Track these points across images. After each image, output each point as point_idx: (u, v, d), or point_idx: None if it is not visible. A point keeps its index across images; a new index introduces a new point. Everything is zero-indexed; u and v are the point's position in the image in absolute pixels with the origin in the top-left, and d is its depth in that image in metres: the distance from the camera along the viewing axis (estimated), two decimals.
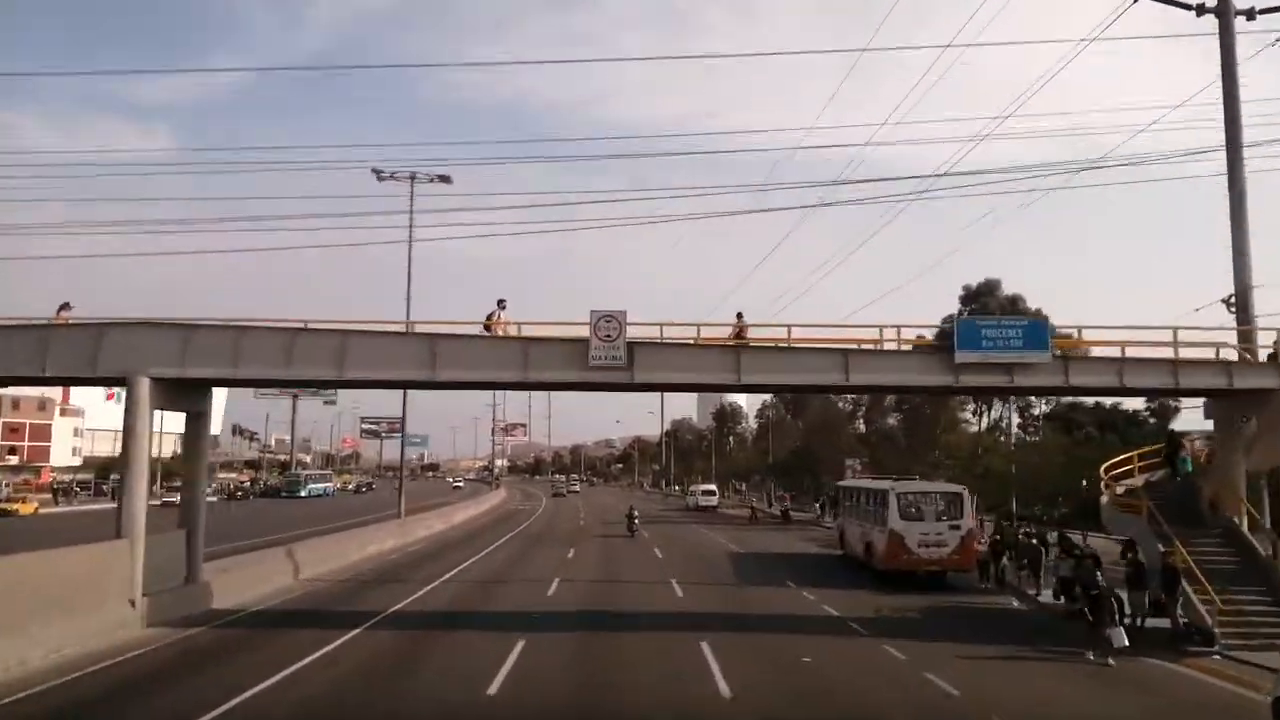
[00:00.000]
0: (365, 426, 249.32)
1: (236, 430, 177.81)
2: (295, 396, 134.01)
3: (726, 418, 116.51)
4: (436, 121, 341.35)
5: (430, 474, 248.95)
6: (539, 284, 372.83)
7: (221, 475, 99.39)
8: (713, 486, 78.85)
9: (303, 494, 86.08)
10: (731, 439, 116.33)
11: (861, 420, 67.17)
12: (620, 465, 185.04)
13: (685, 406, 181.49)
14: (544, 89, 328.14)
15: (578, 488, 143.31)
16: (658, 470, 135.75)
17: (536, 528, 48.12)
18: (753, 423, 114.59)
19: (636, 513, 45.63)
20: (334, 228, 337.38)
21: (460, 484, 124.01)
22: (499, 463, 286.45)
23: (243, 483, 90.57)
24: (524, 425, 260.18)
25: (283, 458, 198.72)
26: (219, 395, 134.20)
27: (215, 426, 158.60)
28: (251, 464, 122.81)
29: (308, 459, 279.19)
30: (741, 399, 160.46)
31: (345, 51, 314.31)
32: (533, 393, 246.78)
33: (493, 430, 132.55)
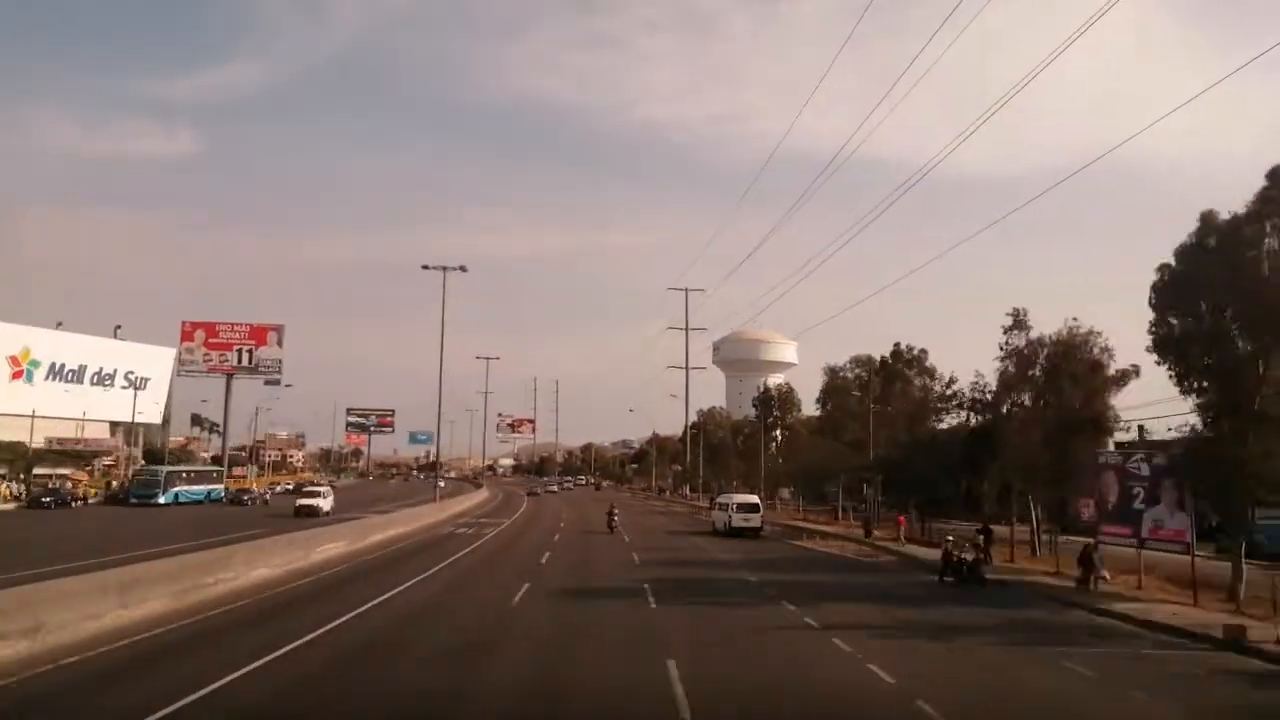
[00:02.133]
0: (351, 419, 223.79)
1: (197, 420, 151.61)
2: (229, 375, 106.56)
3: (773, 404, 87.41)
4: (459, 121, 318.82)
5: (424, 475, 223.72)
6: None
7: (39, 472, 71.47)
8: (754, 499, 50.62)
9: (161, 500, 58.47)
10: (779, 433, 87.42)
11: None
12: (635, 465, 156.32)
13: (714, 394, 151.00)
14: (570, 92, 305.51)
15: (555, 488, 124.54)
16: (680, 472, 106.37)
17: (378, 624, 19.50)
18: (812, 410, 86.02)
19: (618, 513, 47.02)
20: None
21: (317, 495, 56.83)
22: (504, 461, 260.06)
23: (62, 483, 62.81)
24: (531, 421, 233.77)
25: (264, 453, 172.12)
26: (162, 377, 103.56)
27: (154, 415, 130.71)
28: (154, 457, 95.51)
29: (299, 456, 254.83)
30: (789, 377, 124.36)
31: (364, 53, 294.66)
32: (538, 385, 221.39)
33: (430, 430, 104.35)
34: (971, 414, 41.58)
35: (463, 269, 55.97)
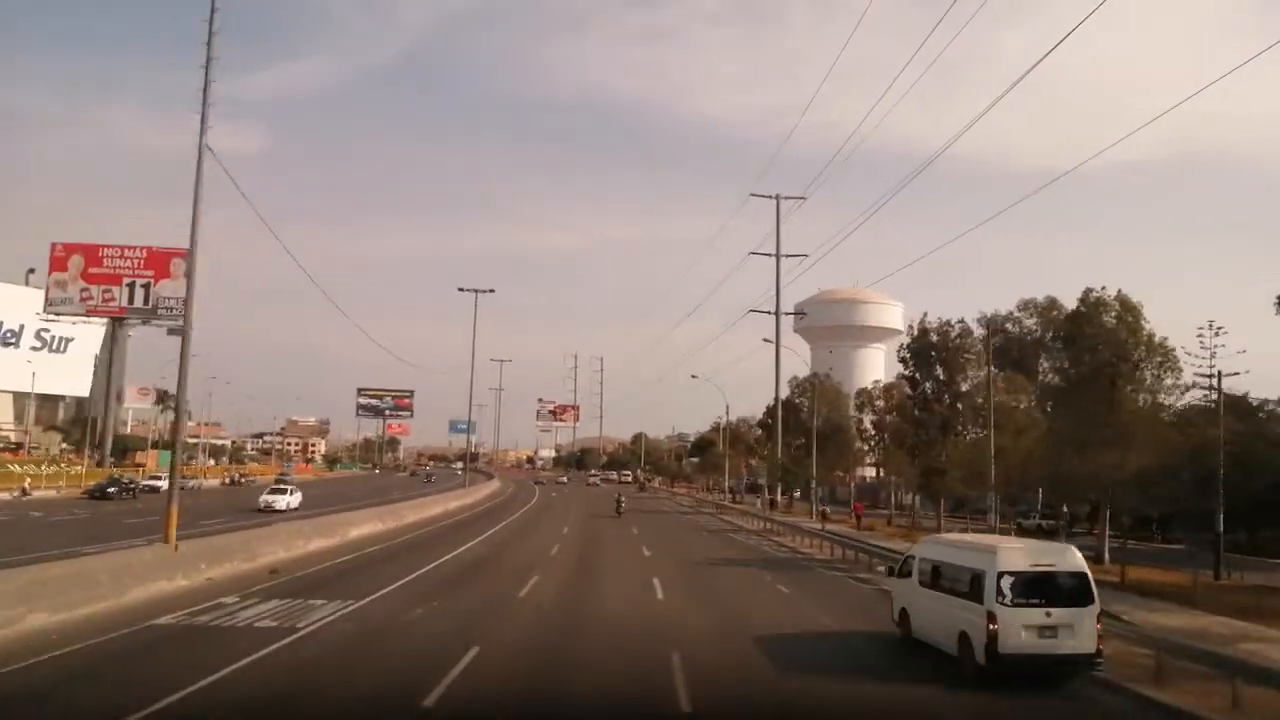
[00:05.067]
0: (363, 400, 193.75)
1: (161, 397, 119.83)
2: (116, 319, 74.79)
3: (934, 359, 51.21)
4: (519, 116, 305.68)
5: (464, 467, 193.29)
6: None
7: None
8: (1074, 557, 13.15)
9: None
10: (921, 400, 50.83)
11: None
12: (695, 460, 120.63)
13: (794, 369, 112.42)
14: (626, 84, 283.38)
15: (564, 479, 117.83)
16: (782, 468, 69.40)
17: None
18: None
19: (623, 499, 46.90)
20: None
21: None
22: (544, 453, 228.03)
23: None
24: (575, 408, 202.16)
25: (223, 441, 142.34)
26: (93, 336, 52.80)
27: (81, 387, 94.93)
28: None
29: (322, 445, 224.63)
30: (894, 346, 73.81)
31: (427, 50, 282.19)
32: (578, 368, 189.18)
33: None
34: None
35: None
